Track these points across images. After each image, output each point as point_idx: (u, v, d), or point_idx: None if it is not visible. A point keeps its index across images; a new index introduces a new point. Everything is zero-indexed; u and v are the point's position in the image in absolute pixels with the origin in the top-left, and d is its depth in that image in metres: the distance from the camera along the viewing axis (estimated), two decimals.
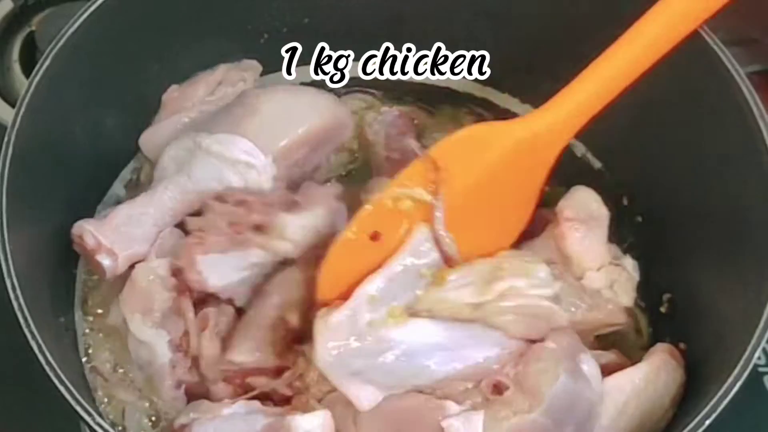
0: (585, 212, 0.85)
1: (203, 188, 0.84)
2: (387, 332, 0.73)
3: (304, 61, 1.02)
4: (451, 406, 0.74)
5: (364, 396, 0.74)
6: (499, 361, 0.76)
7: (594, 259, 0.84)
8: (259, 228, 0.81)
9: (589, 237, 0.84)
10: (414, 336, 0.74)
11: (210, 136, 0.86)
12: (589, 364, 0.77)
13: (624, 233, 0.93)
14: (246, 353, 0.79)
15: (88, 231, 0.82)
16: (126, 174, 0.96)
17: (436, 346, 0.75)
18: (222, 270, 0.81)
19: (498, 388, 0.75)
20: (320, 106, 0.91)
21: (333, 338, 0.73)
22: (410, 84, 1.03)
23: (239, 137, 0.86)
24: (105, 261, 0.82)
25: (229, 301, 0.82)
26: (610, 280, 0.84)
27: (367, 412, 0.74)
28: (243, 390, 0.80)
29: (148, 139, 0.92)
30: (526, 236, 0.86)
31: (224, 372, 0.79)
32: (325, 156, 0.93)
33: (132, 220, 0.83)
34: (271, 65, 1.00)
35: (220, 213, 0.81)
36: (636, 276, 0.86)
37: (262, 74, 0.99)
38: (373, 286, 0.74)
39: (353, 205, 0.80)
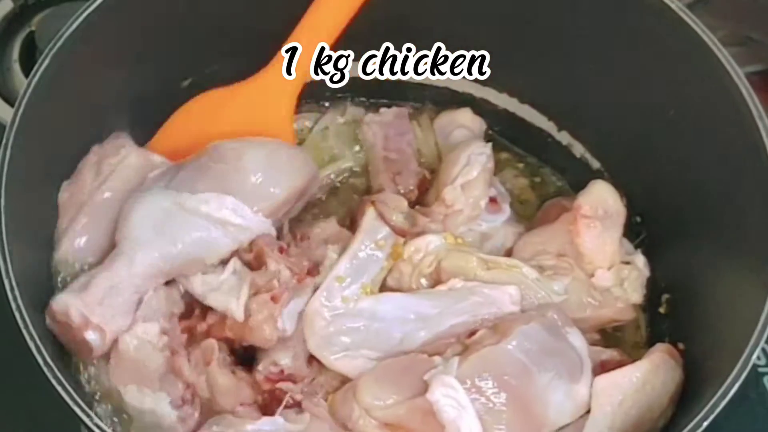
0: (602, 209, 0.86)
1: (190, 253, 0.80)
2: (363, 305, 0.82)
3: None
4: (436, 359, 0.77)
5: (354, 367, 0.80)
6: (466, 327, 0.81)
7: (606, 258, 0.86)
8: (310, 272, 0.83)
9: (603, 236, 0.86)
10: (387, 306, 0.82)
11: (193, 195, 0.81)
12: (575, 336, 0.79)
13: (623, 235, 0.93)
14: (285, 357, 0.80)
15: (75, 307, 0.76)
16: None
17: (408, 315, 0.82)
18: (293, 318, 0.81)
19: (474, 334, 0.79)
20: (299, 164, 0.87)
21: (316, 321, 0.80)
22: (410, 84, 1.03)
23: (227, 196, 0.81)
24: (94, 338, 0.76)
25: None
26: (621, 278, 0.86)
27: (361, 377, 0.77)
28: (267, 400, 0.80)
29: (64, 257, 0.83)
30: (542, 221, 0.89)
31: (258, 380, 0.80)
32: (296, 206, 0.90)
33: (113, 291, 0.77)
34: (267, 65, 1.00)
35: (277, 263, 0.81)
36: (646, 272, 0.88)
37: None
38: (339, 268, 0.83)
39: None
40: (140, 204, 0.81)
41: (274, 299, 0.78)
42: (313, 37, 0.89)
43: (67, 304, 0.76)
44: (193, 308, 0.82)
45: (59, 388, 0.68)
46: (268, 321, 0.78)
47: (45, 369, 0.68)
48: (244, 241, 0.82)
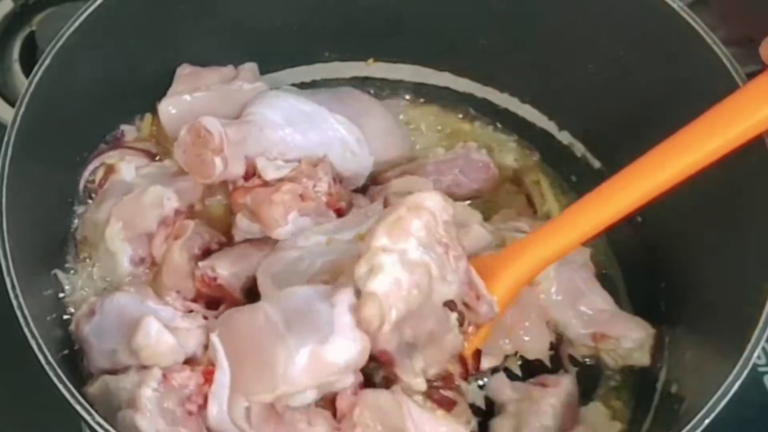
0: None
1: (307, 147, 0.88)
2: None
3: (304, 61, 1.02)
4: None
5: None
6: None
7: None
8: (340, 210, 0.87)
9: None
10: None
11: (334, 114, 0.90)
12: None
13: (624, 233, 0.93)
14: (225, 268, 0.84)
15: (222, 133, 0.83)
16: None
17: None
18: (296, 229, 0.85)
19: None
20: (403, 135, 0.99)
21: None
22: (410, 83, 1.03)
23: (358, 128, 0.91)
24: (219, 165, 0.83)
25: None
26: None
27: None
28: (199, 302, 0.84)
29: (167, 108, 0.91)
30: None
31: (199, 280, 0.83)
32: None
33: (245, 143, 0.85)
34: (271, 65, 1.01)
35: (324, 181, 0.86)
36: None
37: (262, 74, 1.00)
38: None
39: None
40: (279, 98, 0.90)
41: (302, 197, 0.84)
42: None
43: (219, 129, 0.83)
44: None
45: (61, 387, 0.68)
46: (281, 211, 0.83)
47: (47, 368, 0.68)
48: (348, 163, 0.91)
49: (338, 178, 0.89)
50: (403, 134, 0.99)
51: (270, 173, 0.85)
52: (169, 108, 0.91)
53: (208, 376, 0.73)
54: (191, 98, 0.91)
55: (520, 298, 0.84)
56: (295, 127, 0.88)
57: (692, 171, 0.75)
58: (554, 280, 0.88)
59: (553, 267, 0.86)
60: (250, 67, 0.96)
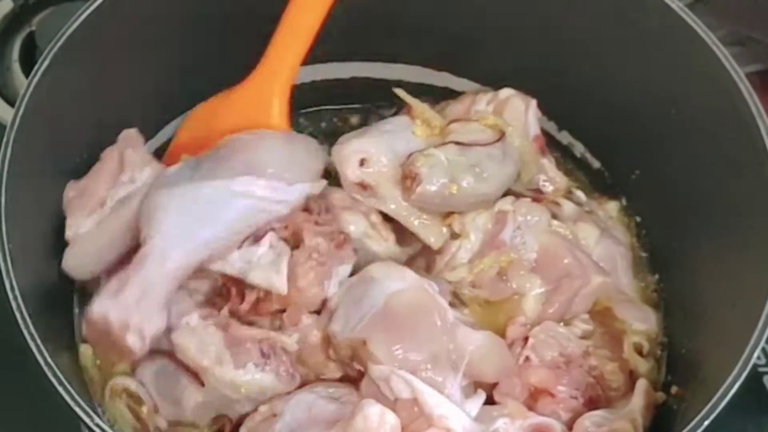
0: None
1: (227, 235, 0.79)
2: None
3: (303, 61, 1.02)
4: None
5: None
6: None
7: None
8: (345, 240, 0.83)
9: None
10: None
11: (227, 179, 0.79)
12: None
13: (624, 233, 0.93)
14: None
15: (113, 311, 0.75)
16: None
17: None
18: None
19: None
20: (314, 147, 0.87)
21: None
22: (409, 83, 1.03)
23: (260, 176, 0.80)
24: (134, 341, 0.75)
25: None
26: None
27: None
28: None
29: (75, 263, 0.83)
30: None
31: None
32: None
33: (148, 292, 0.76)
34: None
35: (315, 235, 0.81)
36: None
37: None
38: None
39: None
40: (169, 198, 0.79)
41: (321, 266, 0.80)
42: (293, 37, 0.89)
43: (106, 310, 0.75)
44: (229, 290, 0.82)
45: (60, 389, 0.68)
46: (314, 283, 0.79)
47: (46, 369, 0.68)
48: (282, 212, 0.81)
49: (321, 208, 0.84)
50: (307, 143, 0.88)
51: (237, 269, 0.80)
52: (77, 261, 0.83)
53: None
54: (86, 236, 0.83)
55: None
56: (201, 225, 0.78)
57: None
58: (596, 246, 0.89)
59: (594, 235, 0.88)
60: (128, 136, 0.89)
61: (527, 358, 0.81)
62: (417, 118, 0.92)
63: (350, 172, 0.86)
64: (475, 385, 0.79)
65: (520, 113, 0.92)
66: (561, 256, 0.84)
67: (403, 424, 0.74)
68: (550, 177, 0.93)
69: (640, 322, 0.87)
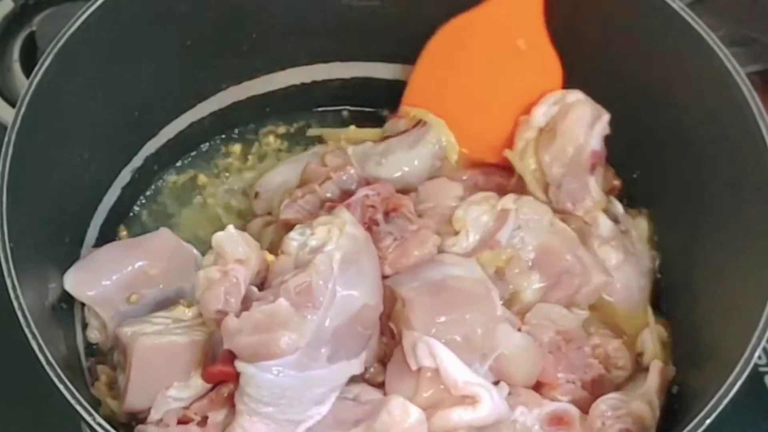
0: None
1: None
2: None
3: (304, 61, 1.02)
4: None
5: None
6: None
7: None
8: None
9: None
10: None
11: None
12: None
13: None
14: None
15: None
16: (126, 174, 0.96)
17: None
18: None
19: None
20: None
21: None
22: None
23: None
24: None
25: None
26: None
27: None
28: None
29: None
30: None
31: None
32: None
33: None
34: (270, 66, 1.01)
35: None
36: None
37: (259, 75, 1.00)
38: None
39: None
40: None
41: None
42: None
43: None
44: None
45: (61, 387, 0.68)
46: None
47: (47, 368, 0.68)
48: None
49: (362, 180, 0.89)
50: None
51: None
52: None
53: None
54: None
55: None
56: None
57: None
58: (615, 271, 0.88)
59: (616, 259, 0.88)
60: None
61: None
62: (330, 141, 1.01)
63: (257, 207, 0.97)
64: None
65: (581, 121, 0.90)
66: (561, 254, 0.84)
67: (428, 405, 0.74)
68: (591, 196, 0.90)
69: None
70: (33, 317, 0.70)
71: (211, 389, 0.77)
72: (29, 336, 0.70)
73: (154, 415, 0.76)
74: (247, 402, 0.73)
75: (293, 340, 0.71)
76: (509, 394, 0.78)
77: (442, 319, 0.76)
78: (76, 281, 0.84)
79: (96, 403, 0.80)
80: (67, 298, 0.86)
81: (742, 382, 0.69)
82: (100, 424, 0.66)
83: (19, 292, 0.71)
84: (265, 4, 0.94)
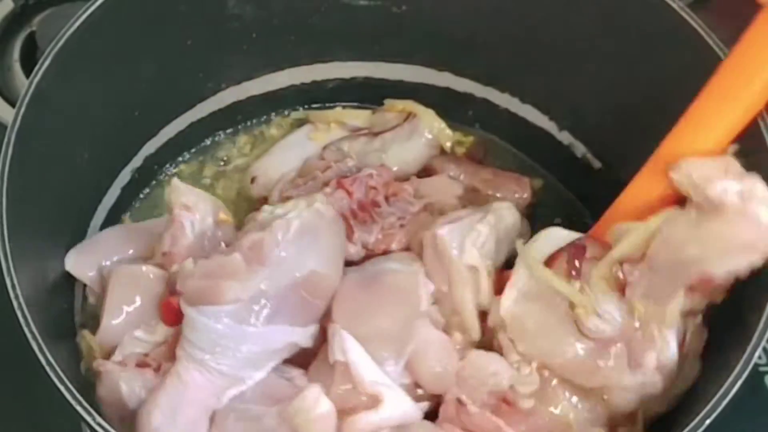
0: None
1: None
2: None
3: (304, 61, 1.02)
4: None
5: None
6: None
7: None
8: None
9: None
10: None
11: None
12: None
13: None
14: None
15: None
16: (125, 175, 0.96)
17: None
18: None
19: None
20: None
21: None
22: (410, 83, 1.03)
23: None
24: None
25: None
26: None
27: None
28: None
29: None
30: None
31: None
32: None
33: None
34: (270, 66, 1.01)
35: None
36: None
37: (259, 75, 1.00)
38: None
39: None
40: None
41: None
42: None
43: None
44: None
45: (61, 387, 0.68)
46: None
47: (47, 368, 0.68)
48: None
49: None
50: None
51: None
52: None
53: None
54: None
55: None
56: None
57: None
58: None
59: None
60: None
61: (459, 402, 0.77)
62: (316, 122, 1.02)
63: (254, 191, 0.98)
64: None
65: None
66: None
67: (342, 401, 0.75)
68: None
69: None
70: (33, 317, 0.70)
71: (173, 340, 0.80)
72: (29, 336, 0.70)
73: (117, 355, 0.80)
74: (186, 347, 0.76)
75: (236, 290, 0.74)
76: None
77: (363, 312, 0.78)
78: (77, 262, 0.86)
79: (95, 405, 0.80)
80: (67, 298, 0.87)
81: (742, 382, 0.69)
82: (99, 424, 0.66)
83: (18, 291, 0.71)
84: (265, 4, 0.94)
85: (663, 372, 0.75)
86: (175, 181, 0.86)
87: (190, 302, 0.76)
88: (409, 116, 0.99)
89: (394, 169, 0.95)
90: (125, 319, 0.82)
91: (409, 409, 0.76)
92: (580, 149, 0.99)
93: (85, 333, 0.85)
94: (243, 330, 0.75)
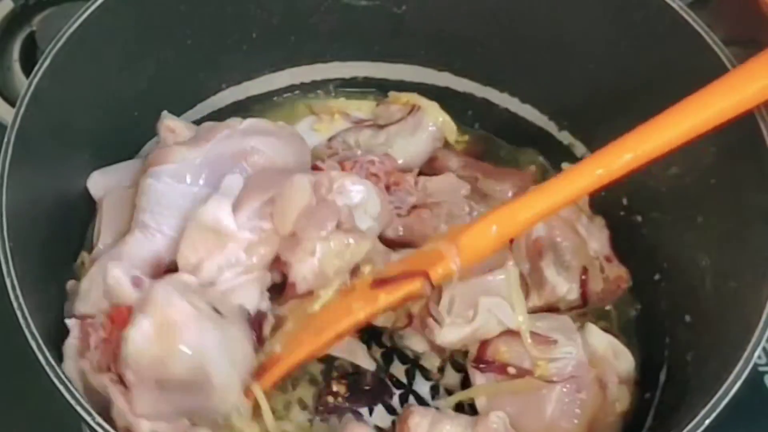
0: None
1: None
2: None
3: (304, 61, 1.02)
4: None
5: None
6: None
7: None
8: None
9: None
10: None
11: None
12: None
13: (624, 233, 0.93)
14: None
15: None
16: None
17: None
18: None
19: None
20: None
21: None
22: (410, 83, 1.03)
23: None
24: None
25: None
26: None
27: None
28: None
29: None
30: None
31: None
32: None
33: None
34: (270, 65, 1.01)
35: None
36: None
37: (259, 75, 1.00)
38: None
39: None
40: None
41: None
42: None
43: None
44: None
45: (61, 387, 0.68)
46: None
47: (47, 368, 0.68)
48: None
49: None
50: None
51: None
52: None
53: None
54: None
55: None
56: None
57: (682, 140, 0.76)
58: None
59: None
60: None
61: None
62: (320, 113, 1.03)
63: None
64: None
65: None
66: None
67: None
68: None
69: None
70: (33, 317, 0.70)
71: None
72: (29, 336, 0.70)
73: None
74: (135, 216, 0.83)
75: (182, 153, 0.84)
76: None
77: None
78: (97, 183, 0.90)
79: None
80: (68, 297, 0.87)
81: (742, 382, 0.69)
82: (99, 424, 0.66)
83: (18, 292, 0.71)
84: (265, 4, 0.94)
85: None
86: (165, 113, 0.90)
87: (144, 170, 0.84)
88: (413, 109, 1.00)
89: (400, 161, 0.96)
90: (117, 239, 0.86)
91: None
92: (579, 149, 0.99)
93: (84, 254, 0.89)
94: (181, 189, 0.82)
